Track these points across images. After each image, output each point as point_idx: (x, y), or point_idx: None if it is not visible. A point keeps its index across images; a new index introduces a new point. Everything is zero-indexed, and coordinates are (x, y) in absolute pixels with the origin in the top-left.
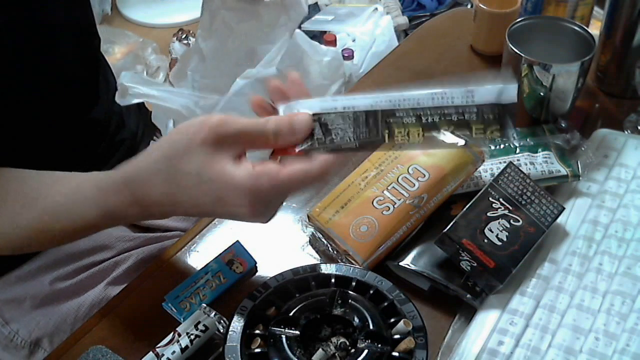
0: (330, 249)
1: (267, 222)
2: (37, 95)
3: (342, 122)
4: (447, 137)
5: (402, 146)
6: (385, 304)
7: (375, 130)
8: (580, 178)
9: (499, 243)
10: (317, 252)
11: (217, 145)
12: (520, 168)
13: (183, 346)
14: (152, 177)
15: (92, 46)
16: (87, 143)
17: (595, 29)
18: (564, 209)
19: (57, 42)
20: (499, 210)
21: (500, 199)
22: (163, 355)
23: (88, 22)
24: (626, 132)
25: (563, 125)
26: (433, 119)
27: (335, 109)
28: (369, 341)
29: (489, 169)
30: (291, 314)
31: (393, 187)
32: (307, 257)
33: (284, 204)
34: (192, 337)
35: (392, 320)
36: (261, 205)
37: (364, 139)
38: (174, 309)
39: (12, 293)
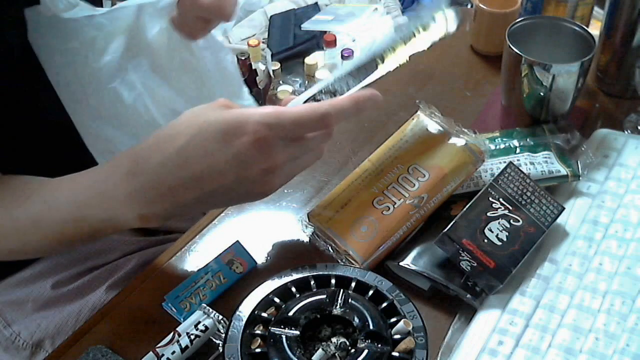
0: (330, 249)
1: (272, 186)
2: (44, 96)
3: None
4: (422, 37)
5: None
6: (385, 304)
7: (370, 66)
8: (580, 178)
9: (499, 243)
10: (317, 252)
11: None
12: (520, 168)
13: (183, 346)
14: (151, 142)
15: None
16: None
17: (595, 29)
18: (564, 209)
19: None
20: (499, 210)
21: (500, 199)
22: (163, 355)
23: None
24: (626, 132)
25: (563, 125)
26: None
27: (326, 84)
28: (369, 341)
29: (489, 169)
30: (291, 314)
31: (393, 187)
32: (307, 257)
33: (284, 203)
34: (192, 337)
35: (392, 320)
36: (259, 146)
37: (362, 75)
38: (174, 309)
39: (14, 295)
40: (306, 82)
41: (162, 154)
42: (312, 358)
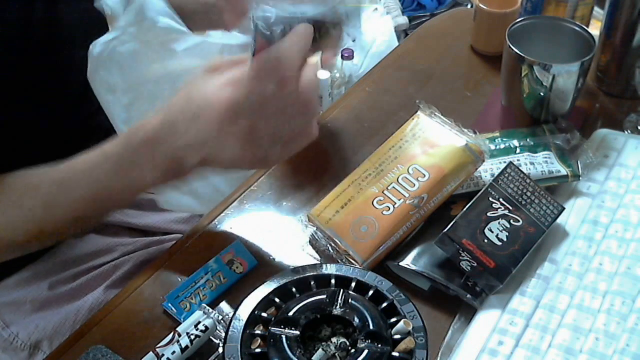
0: (330, 249)
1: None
2: (48, 97)
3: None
4: None
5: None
6: (385, 304)
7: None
8: (580, 178)
9: (499, 243)
10: (317, 252)
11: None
12: (520, 168)
13: (183, 346)
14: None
15: None
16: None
17: (595, 29)
18: (564, 209)
19: (72, 42)
20: (499, 210)
21: (500, 199)
22: (163, 355)
23: (101, 23)
24: (626, 132)
25: (563, 125)
26: None
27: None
28: (369, 341)
29: (489, 169)
30: (291, 314)
31: (393, 187)
32: (307, 257)
33: (284, 203)
34: (192, 337)
35: (392, 320)
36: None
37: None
38: (174, 309)
39: (12, 296)
40: None
41: (182, 105)
42: (312, 358)
